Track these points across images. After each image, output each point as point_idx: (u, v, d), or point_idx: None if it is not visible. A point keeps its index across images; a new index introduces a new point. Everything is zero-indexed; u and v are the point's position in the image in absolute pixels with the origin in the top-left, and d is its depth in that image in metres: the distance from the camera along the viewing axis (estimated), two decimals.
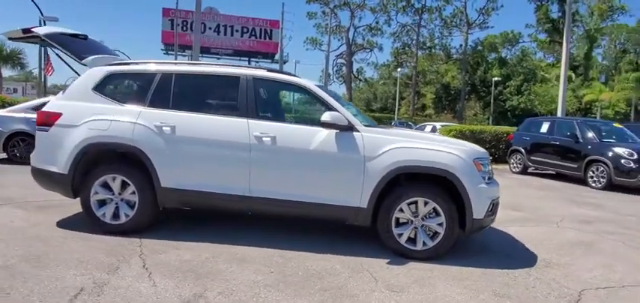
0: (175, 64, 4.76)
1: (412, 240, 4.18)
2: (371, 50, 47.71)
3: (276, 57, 52.87)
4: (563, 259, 4.41)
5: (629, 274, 4.08)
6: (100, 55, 4.91)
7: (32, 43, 5.29)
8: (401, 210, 4.15)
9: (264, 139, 4.21)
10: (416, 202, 4.15)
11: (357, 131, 4.20)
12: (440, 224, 4.12)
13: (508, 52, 51.12)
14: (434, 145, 4.25)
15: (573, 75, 44.49)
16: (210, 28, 52.01)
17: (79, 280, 3.27)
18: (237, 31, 52.29)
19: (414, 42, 47.17)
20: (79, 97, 4.54)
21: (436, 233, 4.15)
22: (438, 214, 4.13)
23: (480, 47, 48.78)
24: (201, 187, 4.29)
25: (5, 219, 4.76)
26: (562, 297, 3.47)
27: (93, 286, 3.20)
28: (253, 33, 52.15)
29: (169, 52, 47.39)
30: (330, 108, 4.32)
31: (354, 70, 47.46)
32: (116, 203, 4.40)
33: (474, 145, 4.66)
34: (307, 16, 48.20)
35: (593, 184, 9.89)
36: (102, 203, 4.41)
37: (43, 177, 4.54)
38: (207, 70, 4.65)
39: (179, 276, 3.46)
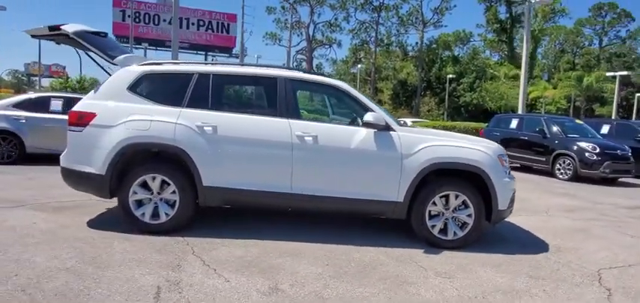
0: (211, 65, 4.83)
1: (442, 230, 4.53)
2: (330, 46, 48.24)
3: (235, 51, 52.16)
4: (570, 244, 4.93)
5: (630, 256, 4.65)
6: (130, 55, 4.89)
7: (57, 41, 5.12)
8: (434, 203, 4.49)
9: (306, 138, 4.39)
10: (447, 196, 4.49)
11: (394, 131, 4.48)
12: (469, 215, 4.49)
13: (460, 51, 53.46)
14: (462, 142, 4.62)
15: (518, 73, 47.24)
16: (164, 20, 50.40)
17: (150, 279, 3.33)
18: (193, 24, 51.10)
19: (372, 39, 48.19)
20: (112, 96, 4.50)
21: (465, 224, 4.52)
22: (466, 207, 4.50)
23: (434, 45, 50.61)
24: (243, 186, 4.41)
25: (27, 221, 4.64)
26: (585, 276, 3.94)
27: (168, 284, 3.28)
28: (210, 26, 51.11)
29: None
30: (366, 109, 4.58)
31: (314, 65, 47.77)
32: (155, 203, 4.42)
33: (494, 142, 5.08)
34: (266, 11, 47.90)
35: (560, 176, 10.79)
36: (139, 203, 4.43)
37: (77, 178, 4.48)
38: (244, 72, 4.77)
39: (244, 271, 3.60)
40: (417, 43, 49.22)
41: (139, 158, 4.47)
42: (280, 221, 5.03)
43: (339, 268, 3.81)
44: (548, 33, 55.10)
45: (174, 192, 4.39)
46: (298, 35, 46.85)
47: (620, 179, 11.10)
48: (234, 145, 4.39)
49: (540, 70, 54.48)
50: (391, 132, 4.47)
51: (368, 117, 4.38)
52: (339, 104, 5.11)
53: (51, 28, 4.63)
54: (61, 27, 4.58)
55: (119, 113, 4.40)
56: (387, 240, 4.61)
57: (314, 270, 3.72)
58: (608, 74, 36.65)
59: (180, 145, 4.33)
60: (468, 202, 4.48)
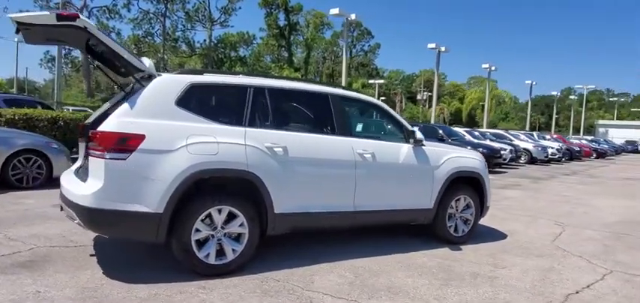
0: (262, 78, 4.29)
1: (455, 229, 5.33)
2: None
3: None
4: (509, 228, 6.43)
5: (546, 230, 6.45)
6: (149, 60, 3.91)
7: (60, 41, 3.43)
8: (451, 206, 5.24)
9: (365, 155, 4.49)
10: (459, 199, 5.32)
11: (424, 145, 5.02)
12: (471, 214, 5.43)
13: (245, 52, 55.38)
14: (466, 153, 5.54)
15: (299, 76, 52.51)
16: None
17: None
18: None
19: (157, 31, 45.08)
20: (158, 113, 3.59)
21: (467, 221, 5.44)
22: (469, 207, 5.42)
23: (221, 45, 50.95)
24: (312, 209, 4.21)
25: (16, 291, 3.23)
26: (558, 250, 5.36)
27: None
28: None
29: None
30: (398, 125, 4.97)
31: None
32: (219, 239, 3.76)
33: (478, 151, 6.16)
34: None
35: None
36: (199, 243, 3.69)
37: (120, 221, 3.40)
38: (297, 87, 4.47)
39: (379, 295, 3.58)
40: (204, 40, 48.57)
41: (201, 189, 3.70)
42: (306, 242, 4.89)
43: (434, 276, 4.13)
44: (317, 42, 62.86)
45: (242, 224, 3.83)
46: None
47: None
48: (305, 167, 4.14)
49: (314, 75, 61.60)
50: (423, 146, 4.99)
51: (418, 135, 4.80)
52: (376, 121, 5.31)
53: (60, 18, 3.26)
54: (78, 16, 3.30)
55: (175, 134, 3.56)
56: (409, 245, 5.08)
57: (425, 281, 3.96)
58: (370, 81, 44.56)
59: (253, 171, 3.81)
60: (471, 203, 5.41)
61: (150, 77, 3.85)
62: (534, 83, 39.81)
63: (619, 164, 27.10)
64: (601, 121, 70.55)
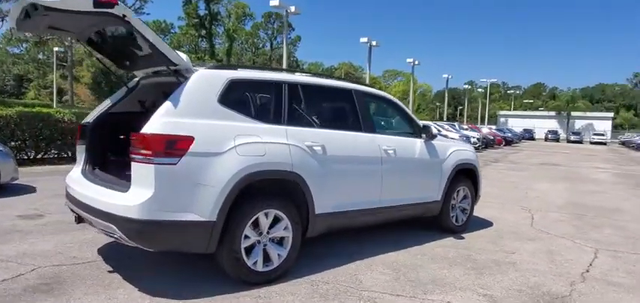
0: (291, 74, 4.07)
1: (455, 219, 5.57)
2: (1, 20, 37.77)
3: None
4: (491, 214, 6.84)
5: (519, 215, 7.00)
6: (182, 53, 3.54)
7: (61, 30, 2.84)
8: (453, 198, 5.47)
9: (389, 151, 4.51)
10: (459, 190, 5.56)
11: (434, 140, 5.16)
12: (468, 204, 5.71)
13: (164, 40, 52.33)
14: (464, 146, 5.79)
15: None
16: None
17: None
18: None
19: None
20: (203, 112, 3.29)
21: (465, 210, 5.71)
22: (466, 197, 5.70)
23: None
24: (345, 207, 4.14)
25: None
26: (542, 232, 5.85)
27: None
28: None
29: None
30: (411, 120, 5.07)
31: None
32: (264, 245, 3.56)
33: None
34: None
35: None
36: (247, 250, 3.46)
37: (172, 231, 3.06)
38: (325, 83, 4.33)
39: (431, 288, 3.64)
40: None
41: (250, 192, 3.44)
42: (331, 242, 4.81)
43: (462, 266, 4.28)
44: (239, 33, 61.42)
45: (286, 228, 3.66)
46: None
47: None
48: (341, 165, 4.06)
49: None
50: (433, 141, 5.14)
51: (434, 130, 4.92)
52: (391, 117, 5.31)
53: (97, 4, 2.80)
54: (118, 3, 2.87)
55: (223, 135, 3.30)
56: (418, 238, 5.23)
57: (460, 271, 4.10)
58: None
59: (297, 171, 3.66)
60: (468, 193, 5.68)
61: (178, 72, 3.50)
62: (450, 76, 42.73)
63: (526, 151, 30.10)
64: (501, 112, 77.70)
